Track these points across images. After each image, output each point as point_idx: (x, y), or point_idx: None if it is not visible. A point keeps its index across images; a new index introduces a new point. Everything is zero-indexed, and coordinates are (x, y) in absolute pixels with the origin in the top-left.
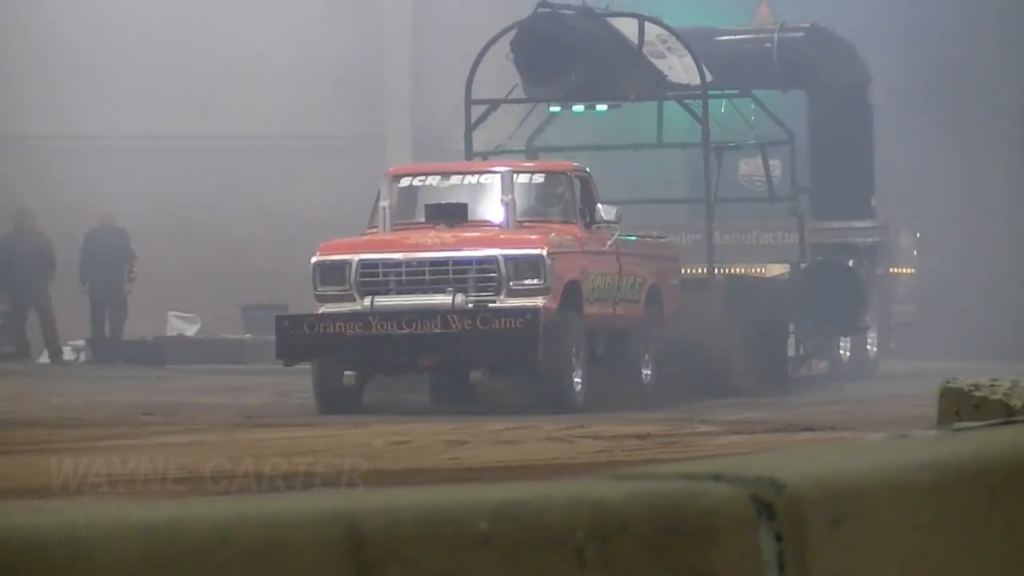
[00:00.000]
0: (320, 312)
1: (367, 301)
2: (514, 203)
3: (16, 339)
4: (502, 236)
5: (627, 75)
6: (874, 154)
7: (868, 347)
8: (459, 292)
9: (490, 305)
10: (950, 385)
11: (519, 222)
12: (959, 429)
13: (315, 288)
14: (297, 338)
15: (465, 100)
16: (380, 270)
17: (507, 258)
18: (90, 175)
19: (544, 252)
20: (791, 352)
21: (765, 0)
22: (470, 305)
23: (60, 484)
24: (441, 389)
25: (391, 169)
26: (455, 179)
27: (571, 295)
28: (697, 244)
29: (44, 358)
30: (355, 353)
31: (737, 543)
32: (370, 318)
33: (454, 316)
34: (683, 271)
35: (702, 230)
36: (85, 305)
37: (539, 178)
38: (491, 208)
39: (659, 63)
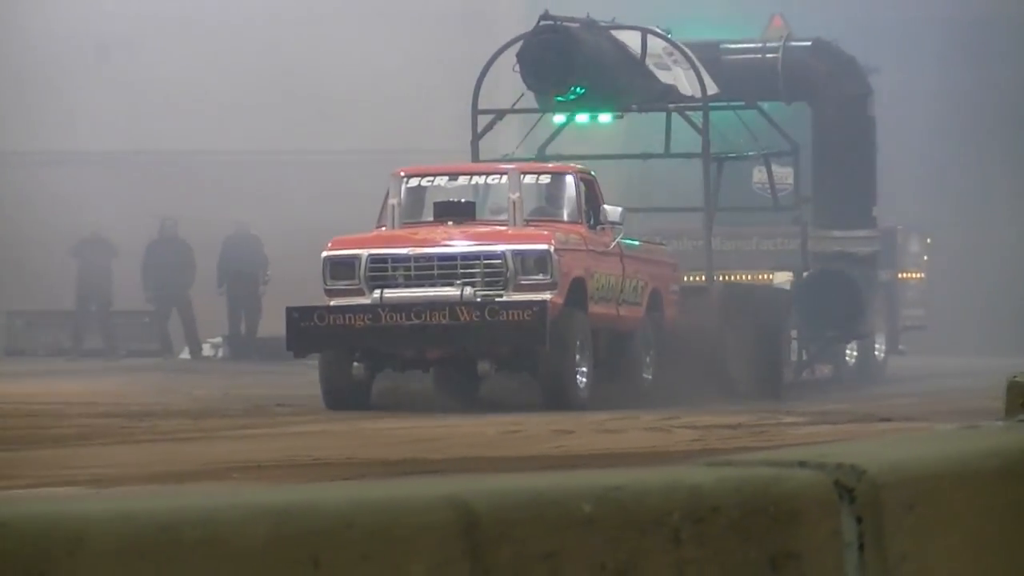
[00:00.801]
0: (331, 304)
1: (376, 294)
2: (521, 201)
3: (160, 337)
4: (509, 232)
5: (630, 86)
6: (876, 164)
7: (876, 351)
8: (467, 286)
9: (499, 299)
10: (1016, 379)
11: (526, 221)
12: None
13: (325, 282)
14: (307, 329)
15: (472, 110)
16: (389, 264)
17: (514, 253)
18: (222, 187)
19: (551, 248)
20: (794, 357)
21: (779, 12)
22: (478, 298)
23: (198, 469)
24: (446, 386)
25: (400, 169)
26: (463, 179)
27: (576, 292)
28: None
29: (185, 354)
30: (364, 344)
31: (820, 525)
32: (379, 310)
33: (462, 308)
34: (692, 277)
35: (717, 236)
36: (223, 306)
37: (545, 179)
38: (498, 207)
39: (664, 75)
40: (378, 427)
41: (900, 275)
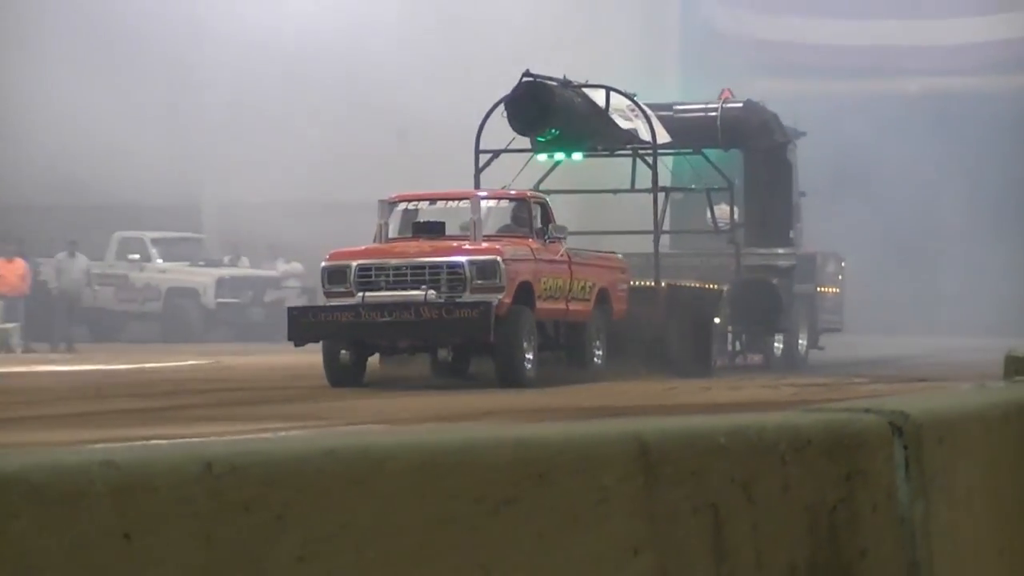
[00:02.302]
0: (322, 304)
1: (360, 296)
2: (480, 221)
3: None
4: (467, 246)
5: (596, 131)
6: (792, 198)
7: (800, 345)
8: (431, 289)
9: (457, 300)
10: (1012, 354)
11: (487, 236)
12: (1017, 381)
13: (323, 286)
14: (303, 324)
15: (475, 149)
16: (372, 272)
17: (471, 263)
18: None
19: (499, 259)
20: (730, 348)
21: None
22: (441, 299)
23: (456, 414)
24: (441, 367)
25: (390, 196)
26: (440, 204)
27: (524, 293)
28: (683, 263)
29: None
30: (349, 336)
31: (879, 451)
32: (360, 309)
33: (424, 307)
34: (646, 282)
35: (698, 254)
36: None
37: (505, 203)
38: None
39: (624, 124)
40: (579, 389)
41: (819, 288)
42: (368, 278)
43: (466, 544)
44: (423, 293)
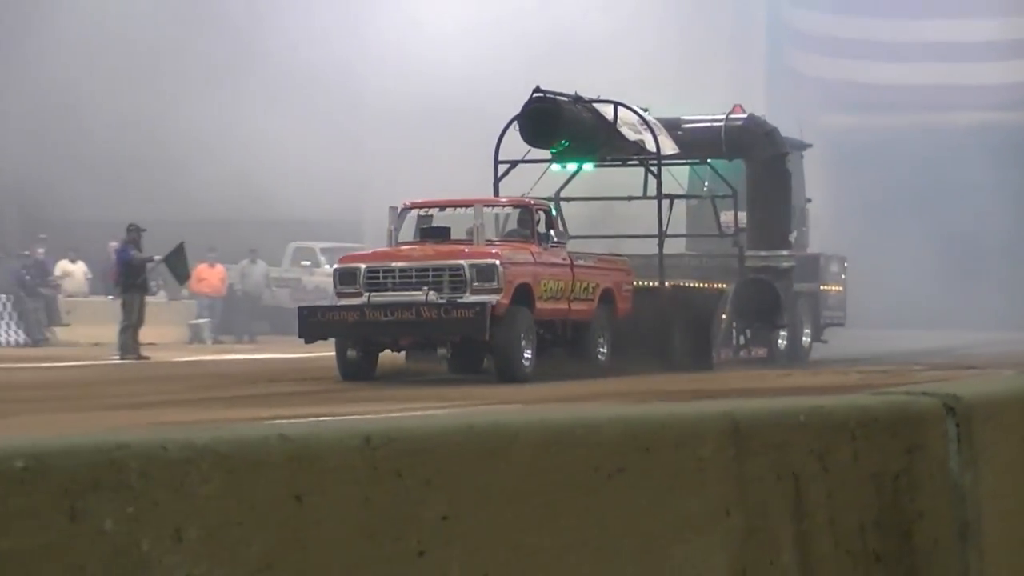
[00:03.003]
0: (330, 304)
1: (366, 296)
2: (482, 226)
3: None
4: (468, 250)
5: (604, 142)
6: (791, 204)
7: (804, 339)
8: (432, 290)
9: (457, 300)
10: None
11: (489, 240)
12: None
13: (335, 287)
14: (313, 323)
15: (494, 160)
16: (380, 274)
17: (471, 266)
18: None
19: (498, 262)
20: (735, 342)
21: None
22: (442, 300)
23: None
24: (456, 362)
25: (403, 202)
26: (449, 210)
27: (524, 294)
28: (690, 264)
29: None
30: (354, 333)
31: (935, 428)
32: (364, 308)
33: (424, 308)
34: (650, 282)
35: (706, 255)
36: None
37: (510, 210)
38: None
39: (632, 135)
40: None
41: (822, 287)
42: (376, 279)
43: (586, 506)
44: (424, 294)
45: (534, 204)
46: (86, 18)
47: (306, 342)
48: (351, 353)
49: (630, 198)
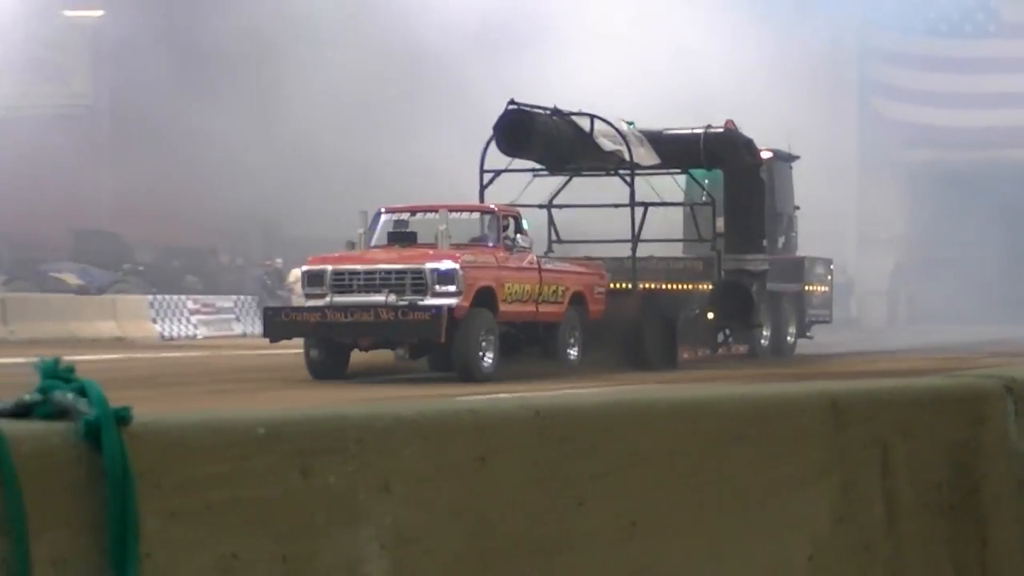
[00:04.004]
0: (294, 305)
1: (329, 298)
2: (447, 231)
3: None
4: (431, 253)
5: (581, 152)
6: (764, 211)
7: (789, 336)
8: (392, 293)
9: (417, 303)
10: None
11: (457, 245)
12: None
13: (303, 287)
14: (277, 323)
15: (480, 169)
16: (346, 276)
17: (431, 269)
18: None
19: (458, 266)
20: (715, 340)
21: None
22: (404, 302)
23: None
24: (435, 360)
25: (380, 207)
26: (419, 215)
27: (486, 297)
28: (665, 267)
29: None
30: (314, 334)
31: (997, 404)
32: (326, 310)
33: (382, 310)
34: (623, 284)
35: (672, 259)
36: None
37: (476, 215)
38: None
39: (610, 147)
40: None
41: (807, 288)
42: (342, 281)
43: (713, 466)
44: (384, 296)
45: (500, 210)
46: (325, 72)
47: (271, 341)
48: (313, 353)
49: (616, 206)
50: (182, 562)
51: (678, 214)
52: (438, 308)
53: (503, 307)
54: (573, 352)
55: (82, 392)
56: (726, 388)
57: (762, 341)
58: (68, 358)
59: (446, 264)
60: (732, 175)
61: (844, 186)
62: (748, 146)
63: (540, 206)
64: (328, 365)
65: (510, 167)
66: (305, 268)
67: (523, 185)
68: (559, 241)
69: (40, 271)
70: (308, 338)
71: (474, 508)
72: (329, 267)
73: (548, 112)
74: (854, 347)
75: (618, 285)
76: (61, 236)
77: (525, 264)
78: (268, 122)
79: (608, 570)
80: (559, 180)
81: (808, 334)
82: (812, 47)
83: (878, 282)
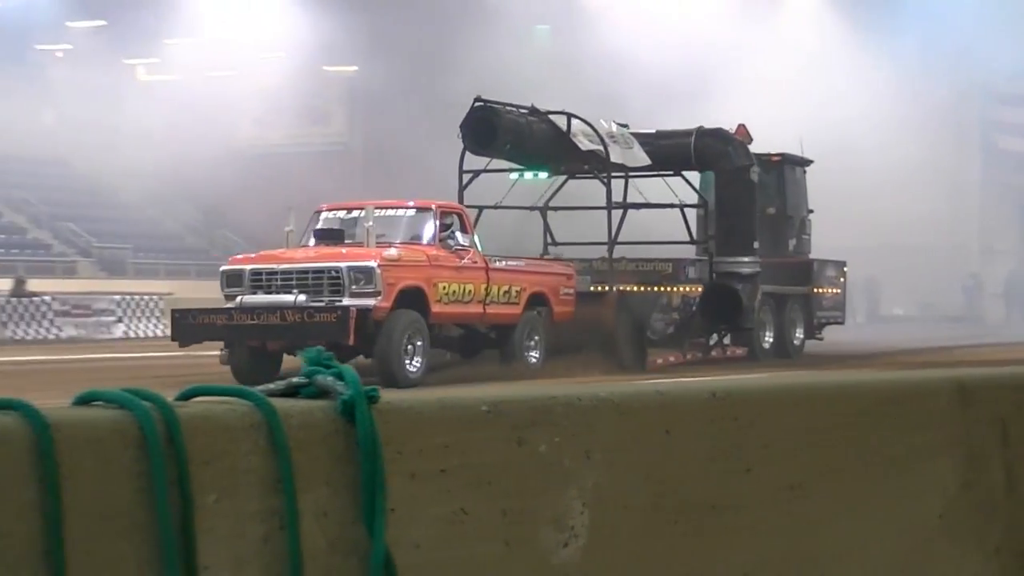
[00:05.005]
0: (200, 308)
1: (237, 300)
2: (373, 229)
3: None
4: (349, 252)
5: (556, 151)
6: (755, 214)
7: (796, 337)
8: (304, 293)
9: (335, 303)
10: None
11: (381, 243)
12: None
13: (223, 288)
14: (184, 326)
15: (459, 170)
16: (263, 276)
17: (349, 268)
18: None
19: (375, 264)
20: (712, 340)
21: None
22: (318, 303)
23: None
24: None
25: (320, 205)
26: (355, 212)
27: (411, 297)
28: (635, 269)
29: None
30: (223, 337)
31: None
32: (233, 312)
33: (288, 311)
34: (600, 287)
35: (670, 259)
36: None
37: (412, 212)
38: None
39: (588, 146)
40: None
41: (816, 290)
42: (259, 281)
43: (856, 437)
44: (293, 297)
45: (439, 207)
46: None
47: (180, 345)
48: (223, 355)
49: (609, 207)
50: (420, 515)
51: (690, 215)
52: (345, 308)
53: (437, 308)
54: (534, 355)
55: (339, 376)
56: (867, 373)
57: (764, 343)
58: None
59: (363, 262)
60: (722, 177)
61: (968, 205)
62: (738, 148)
63: (532, 208)
64: (252, 369)
65: (489, 167)
66: (224, 268)
67: (538, 188)
68: (554, 243)
69: None
70: (216, 341)
71: (659, 472)
72: (248, 267)
73: (524, 111)
74: (981, 340)
75: (595, 288)
76: None
77: (465, 263)
78: None
79: (770, 527)
80: (555, 183)
81: (818, 335)
82: (940, 93)
83: (996, 286)
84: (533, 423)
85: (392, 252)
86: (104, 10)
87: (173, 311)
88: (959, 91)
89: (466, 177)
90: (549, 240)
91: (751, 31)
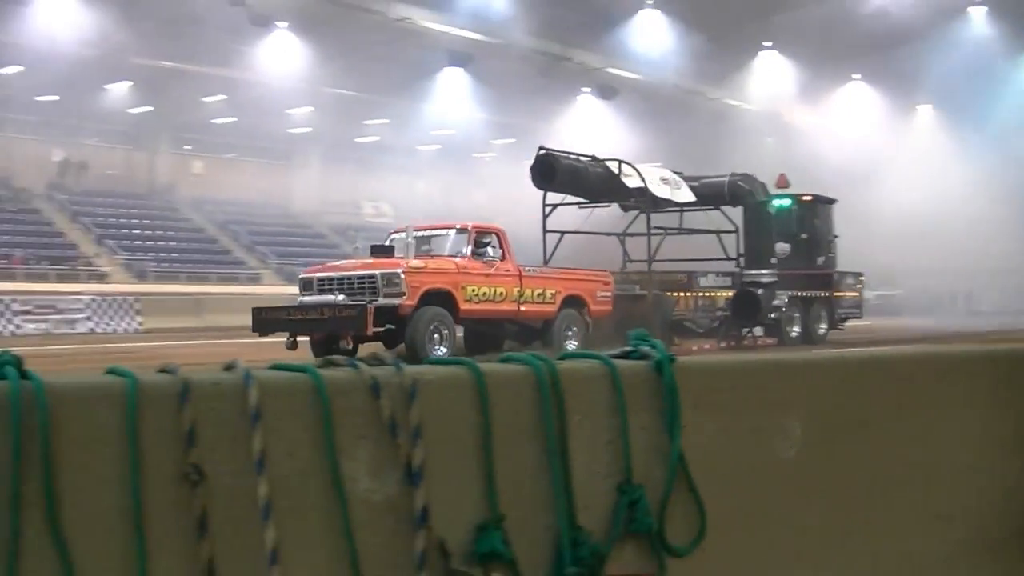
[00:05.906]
0: (270, 306)
1: (298, 299)
2: (412, 244)
3: None
4: (385, 261)
5: (606, 188)
6: (772, 237)
7: (820, 329)
8: (341, 294)
9: (376, 303)
10: None
11: (429, 255)
12: None
13: (300, 292)
14: (260, 320)
15: (542, 203)
16: (325, 281)
17: (381, 275)
18: None
19: (401, 271)
20: (744, 332)
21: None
22: (349, 302)
23: None
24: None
25: (393, 229)
26: (418, 232)
27: (442, 298)
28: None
29: None
30: (285, 328)
31: None
32: (291, 309)
33: (325, 308)
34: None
35: (685, 272)
36: None
37: (453, 232)
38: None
39: (633, 184)
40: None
41: (836, 293)
42: (322, 286)
43: (906, 402)
44: (333, 297)
45: (474, 228)
46: None
47: (260, 335)
48: (288, 341)
49: (649, 233)
50: (703, 432)
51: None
52: (363, 306)
53: (466, 306)
54: (572, 343)
55: (653, 347)
56: (911, 348)
57: (792, 334)
58: None
59: (391, 270)
60: (748, 210)
61: None
62: (760, 188)
63: (608, 234)
64: (319, 353)
65: (564, 201)
66: (301, 275)
67: (622, 219)
68: (631, 260)
69: None
70: (282, 332)
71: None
72: (315, 275)
73: (586, 158)
74: None
75: (636, 291)
76: None
77: (494, 271)
78: None
79: (888, 439)
80: (630, 216)
81: (840, 327)
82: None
83: None
84: (769, 376)
85: (417, 262)
86: (514, 132)
87: (253, 308)
88: None
89: (547, 209)
90: (627, 258)
91: (890, 136)
